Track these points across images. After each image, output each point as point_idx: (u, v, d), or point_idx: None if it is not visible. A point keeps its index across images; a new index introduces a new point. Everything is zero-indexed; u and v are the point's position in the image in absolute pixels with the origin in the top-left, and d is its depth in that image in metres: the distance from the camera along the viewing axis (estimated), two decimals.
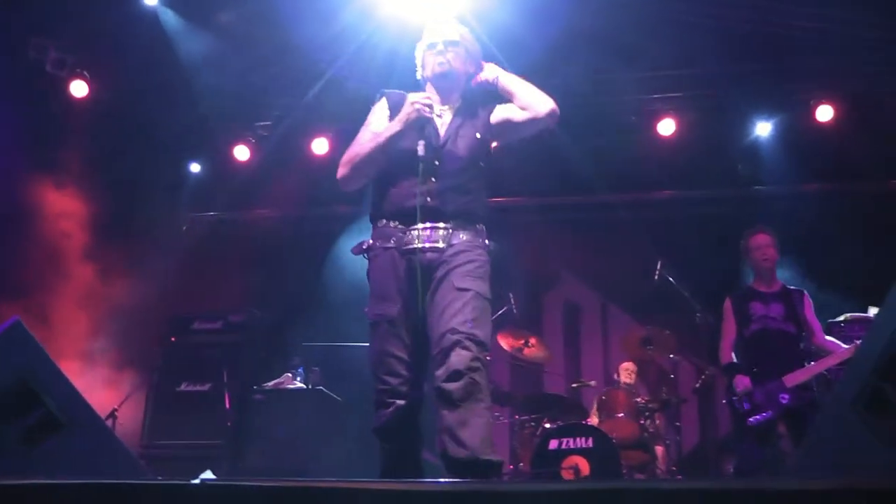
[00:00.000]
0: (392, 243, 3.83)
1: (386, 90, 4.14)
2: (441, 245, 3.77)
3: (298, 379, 7.48)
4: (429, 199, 3.81)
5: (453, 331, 3.56)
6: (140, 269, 8.60)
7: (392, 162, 3.91)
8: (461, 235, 3.81)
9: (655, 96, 8.95)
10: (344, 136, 9.19)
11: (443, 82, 4.10)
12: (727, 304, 6.38)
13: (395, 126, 3.90)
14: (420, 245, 3.77)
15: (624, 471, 6.57)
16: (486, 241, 3.92)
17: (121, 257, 8.54)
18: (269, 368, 7.66)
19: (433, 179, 3.85)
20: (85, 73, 8.36)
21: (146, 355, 7.93)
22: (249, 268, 9.40)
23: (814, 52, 8.18)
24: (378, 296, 3.84)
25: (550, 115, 3.96)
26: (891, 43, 7.89)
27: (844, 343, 6.15)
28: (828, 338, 6.24)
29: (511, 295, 7.55)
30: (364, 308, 3.92)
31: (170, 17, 7.87)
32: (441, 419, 3.54)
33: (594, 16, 7.47)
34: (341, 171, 4.04)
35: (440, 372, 3.54)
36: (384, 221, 3.91)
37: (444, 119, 4.05)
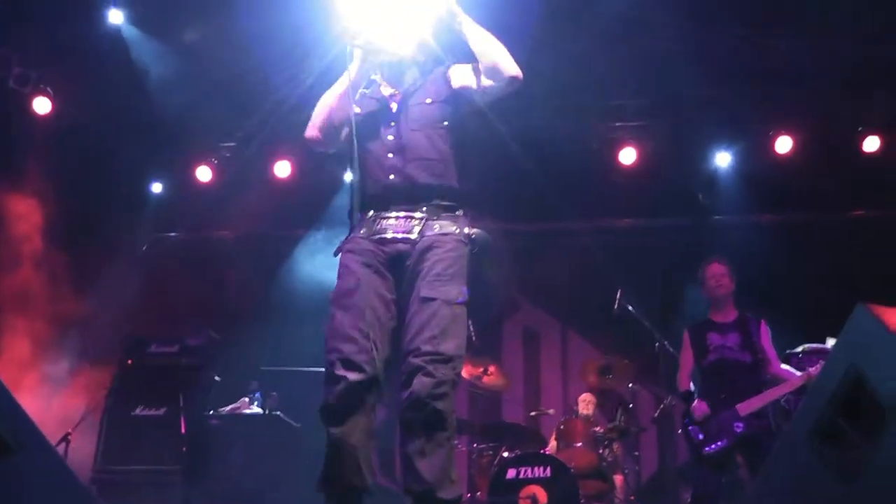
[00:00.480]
0: (363, 233, 3.67)
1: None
2: (413, 237, 3.58)
3: (256, 404, 7.40)
4: (392, 176, 3.67)
5: (417, 352, 3.37)
6: (98, 290, 8.51)
7: (360, 153, 3.74)
8: (435, 226, 3.61)
9: (617, 125, 9.01)
10: (307, 160, 9.25)
11: (391, 70, 3.94)
12: (685, 335, 6.46)
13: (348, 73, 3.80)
14: (391, 235, 3.61)
15: (582, 500, 6.57)
16: (467, 231, 3.68)
17: (80, 277, 8.45)
18: (227, 393, 7.56)
19: (390, 155, 3.71)
20: (48, 89, 8.29)
21: (101, 378, 7.80)
22: (209, 290, 9.32)
23: (774, 83, 8.30)
24: (339, 276, 3.66)
25: (512, 81, 3.69)
26: (848, 76, 8.03)
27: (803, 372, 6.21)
28: (784, 367, 6.30)
29: (470, 322, 7.51)
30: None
31: (135, 36, 7.84)
32: (400, 443, 3.41)
33: (556, 44, 7.54)
34: (308, 130, 3.94)
35: (403, 397, 3.37)
36: (359, 215, 3.75)
37: (395, 98, 3.87)
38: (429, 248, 3.56)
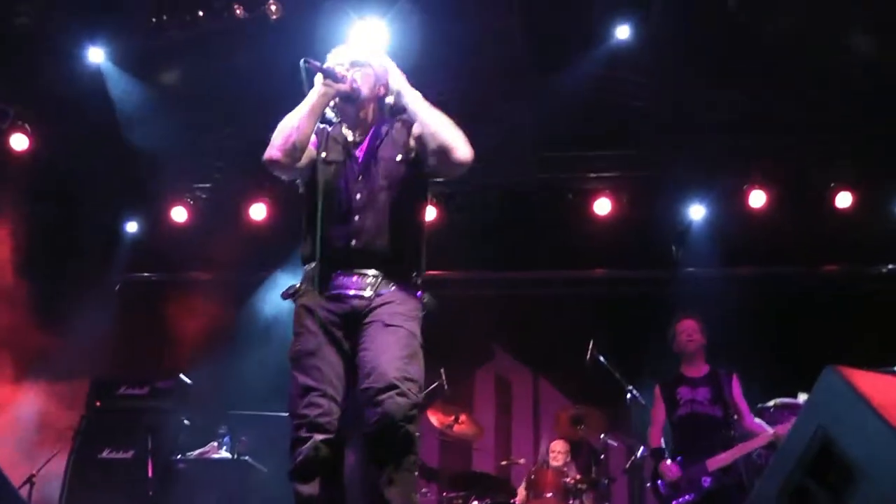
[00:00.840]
0: (318, 287, 3.58)
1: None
2: (368, 294, 3.52)
3: (224, 448, 7.32)
4: (354, 241, 3.57)
5: (386, 371, 3.32)
6: (68, 330, 8.42)
7: (320, 201, 3.64)
8: (391, 286, 3.56)
9: (592, 175, 9.08)
10: (283, 202, 9.23)
11: (348, 105, 3.80)
12: (656, 390, 6.46)
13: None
14: (346, 292, 3.54)
15: None
16: (420, 294, 3.65)
17: (50, 316, 8.37)
18: (197, 436, 7.48)
19: (356, 218, 3.60)
20: (26, 125, 8.26)
21: (68, 418, 7.70)
22: (180, 332, 9.24)
23: (748, 138, 8.41)
24: (297, 333, 3.61)
25: (459, 167, 3.56)
26: (823, 130, 8.14)
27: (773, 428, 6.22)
28: (757, 420, 6.31)
29: (442, 370, 7.49)
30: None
31: (114, 75, 7.85)
32: (368, 470, 3.39)
33: (531, 94, 7.62)
34: (268, 151, 3.67)
35: (373, 418, 3.30)
36: (312, 264, 3.65)
37: (361, 148, 3.77)
38: (384, 302, 3.53)
